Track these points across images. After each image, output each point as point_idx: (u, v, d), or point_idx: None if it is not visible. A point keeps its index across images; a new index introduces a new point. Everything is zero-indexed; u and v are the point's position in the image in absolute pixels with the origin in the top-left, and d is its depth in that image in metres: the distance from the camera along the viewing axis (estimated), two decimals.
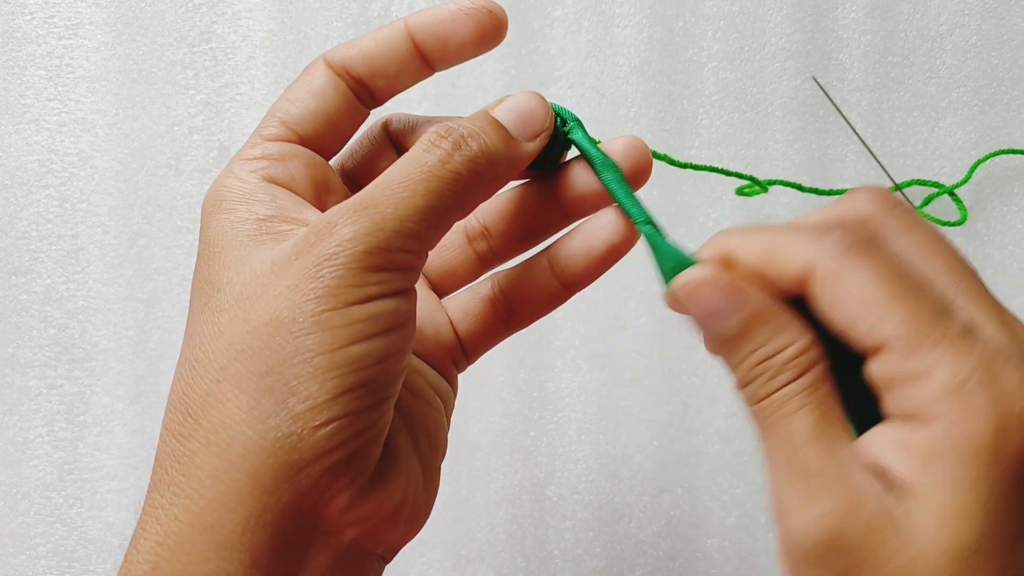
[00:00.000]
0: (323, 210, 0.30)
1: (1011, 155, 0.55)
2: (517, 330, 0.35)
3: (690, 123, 0.56)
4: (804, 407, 0.26)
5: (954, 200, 0.54)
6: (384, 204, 0.27)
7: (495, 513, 0.55)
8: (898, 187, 0.54)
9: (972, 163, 0.55)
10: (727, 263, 0.28)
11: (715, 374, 0.55)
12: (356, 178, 0.34)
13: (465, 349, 0.35)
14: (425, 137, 0.29)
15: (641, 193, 0.34)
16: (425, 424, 0.31)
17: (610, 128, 0.56)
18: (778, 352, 0.26)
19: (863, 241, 0.26)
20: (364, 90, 0.32)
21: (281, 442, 0.25)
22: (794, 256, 0.26)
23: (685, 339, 0.55)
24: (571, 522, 0.55)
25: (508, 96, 0.32)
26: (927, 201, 0.55)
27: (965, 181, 0.54)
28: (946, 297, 0.25)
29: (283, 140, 0.31)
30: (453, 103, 0.56)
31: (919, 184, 0.54)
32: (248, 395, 0.26)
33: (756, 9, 0.56)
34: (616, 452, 0.55)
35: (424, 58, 0.32)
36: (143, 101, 0.57)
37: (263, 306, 0.26)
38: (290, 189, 0.30)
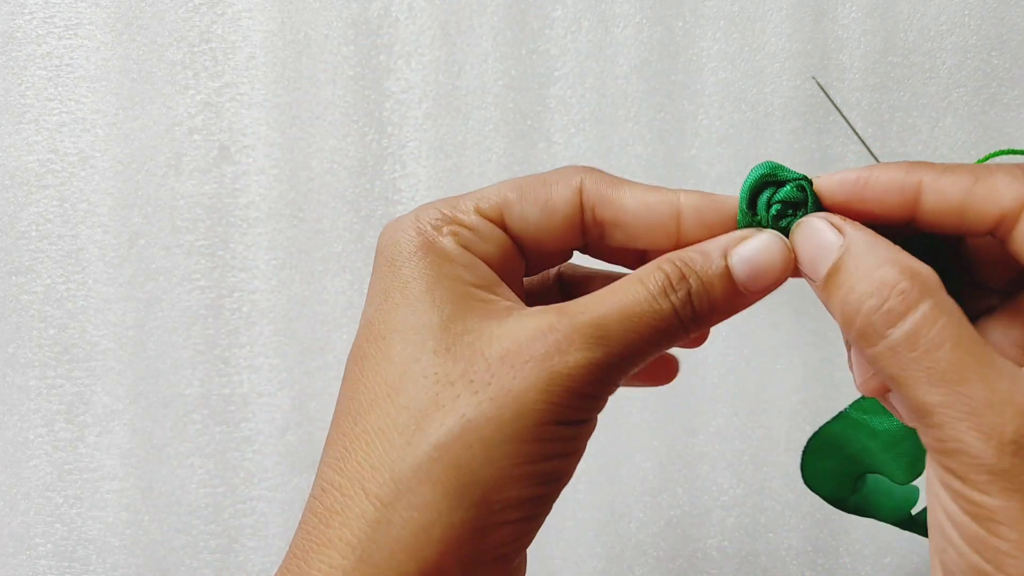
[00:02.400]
0: (508, 285, 0.31)
1: (1012, 155, 0.55)
2: None
3: (690, 123, 0.56)
4: (947, 340, 0.25)
5: None
6: (616, 340, 0.28)
7: None
8: None
9: (973, 162, 0.55)
10: (911, 203, 0.28)
11: (715, 374, 0.55)
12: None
13: None
14: (656, 276, 0.29)
15: None
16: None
17: (610, 128, 0.56)
18: (892, 275, 0.26)
19: None
20: (596, 229, 0.32)
21: (475, 533, 0.27)
22: (1003, 192, 0.27)
23: None
24: (571, 522, 0.55)
25: (751, 236, 0.30)
26: None
27: None
28: None
29: (491, 220, 0.31)
30: (453, 103, 0.56)
31: None
32: (460, 481, 0.27)
33: (756, 9, 0.56)
34: (616, 452, 0.55)
35: (676, 238, 0.31)
36: (143, 101, 0.57)
37: (489, 399, 0.27)
38: (484, 261, 0.31)
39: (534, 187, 0.31)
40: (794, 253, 0.30)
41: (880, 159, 0.55)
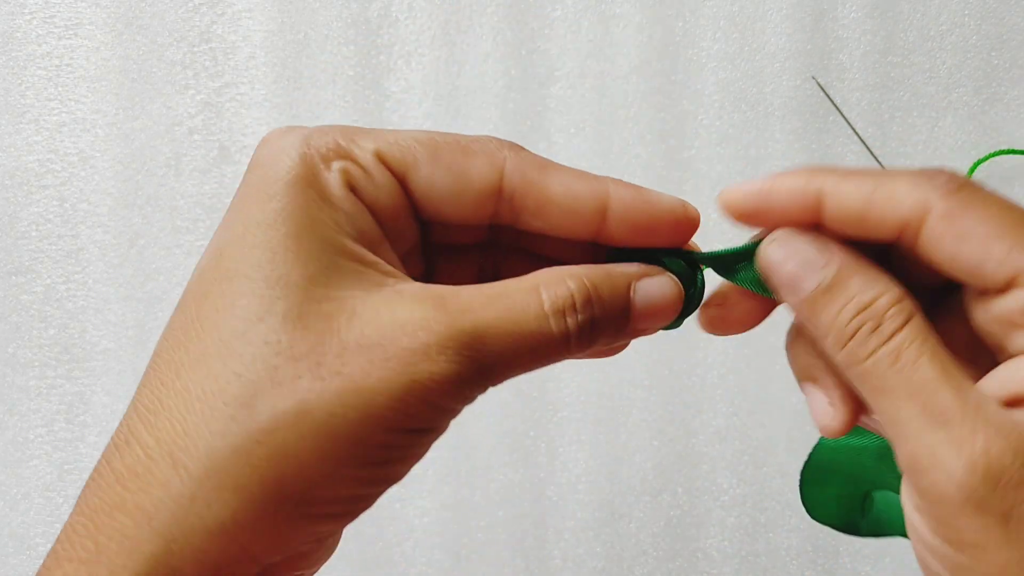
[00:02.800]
0: (393, 245, 0.28)
1: (1012, 156, 0.55)
2: None
3: (690, 123, 0.56)
4: (924, 355, 0.25)
5: None
6: (492, 355, 0.25)
7: (495, 513, 0.55)
8: None
9: (972, 163, 0.55)
10: (814, 209, 0.27)
11: (715, 374, 0.55)
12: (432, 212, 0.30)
13: None
14: (559, 291, 0.26)
15: None
16: None
17: (610, 128, 0.56)
18: (875, 300, 0.26)
19: (972, 182, 0.25)
20: (510, 214, 0.28)
21: (292, 524, 0.25)
22: (903, 197, 0.25)
23: (685, 339, 0.55)
24: (571, 522, 0.55)
25: (653, 273, 0.28)
26: None
27: None
28: None
29: (391, 170, 0.27)
30: (453, 103, 0.56)
31: None
32: (282, 472, 0.24)
33: (756, 9, 0.56)
34: (616, 452, 0.55)
35: (598, 230, 0.28)
36: (143, 101, 0.57)
37: (334, 392, 0.24)
38: (371, 211, 0.27)
39: (452, 152, 0.27)
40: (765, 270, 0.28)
41: (880, 159, 0.55)
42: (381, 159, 0.27)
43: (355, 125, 0.28)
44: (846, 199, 0.26)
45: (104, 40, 0.57)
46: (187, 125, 0.57)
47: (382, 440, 0.24)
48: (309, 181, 0.26)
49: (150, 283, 0.57)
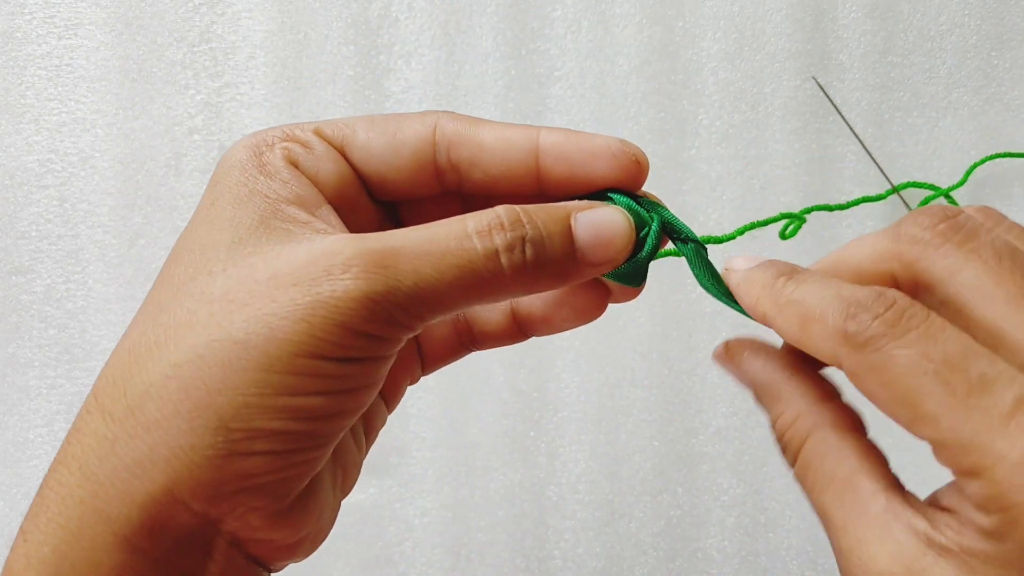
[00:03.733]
0: (343, 216, 0.28)
1: (1010, 159, 0.55)
2: (476, 351, 0.34)
3: (690, 123, 0.56)
4: (821, 479, 0.26)
5: (950, 203, 0.54)
6: (406, 273, 0.25)
7: (495, 513, 0.55)
8: (895, 189, 0.54)
9: (972, 163, 0.55)
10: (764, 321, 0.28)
11: (715, 374, 0.55)
12: (389, 190, 0.31)
13: (423, 365, 0.34)
14: (484, 216, 0.26)
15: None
16: (347, 459, 0.31)
17: (610, 128, 0.56)
18: (776, 419, 0.28)
19: (890, 326, 0.24)
20: (453, 173, 0.29)
21: (210, 460, 0.24)
22: (821, 345, 0.26)
23: (685, 339, 0.55)
24: (571, 522, 0.55)
25: (599, 206, 0.28)
26: (923, 204, 0.55)
27: (961, 183, 0.54)
28: (991, 367, 0.23)
29: (331, 144, 0.29)
30: (453, 103, 0.56)
31: (915, 187, 0.54)
32: (193, 403, 0.24)
33: (756, 9, 0.56)
34: (616, 452, 0.55)
35: (538, 177, 0.29)
36: (143, 101, 0.57)
37: (242, 320, 0.24)
38: (312, 181, 0.28)
39: (386, 120, 0.29)
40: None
41: (880, 159, 0.55)
42: (319, 134, 0.29)
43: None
44: (785, 332, 0.27)
45: (104, 40, 0.57)
46: (187, 125, 0.57)
47: (293, 366, 0.24)
48: (250, 161, 0.27)
49: (150, 283, 0.56)
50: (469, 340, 0.34)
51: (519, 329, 0.33)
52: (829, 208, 0.51)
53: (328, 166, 0.28)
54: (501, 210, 0.26)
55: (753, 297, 0.28)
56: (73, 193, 0.57)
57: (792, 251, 0.54)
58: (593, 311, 0.32)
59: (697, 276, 0.30)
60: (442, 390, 0.55)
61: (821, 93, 0.56)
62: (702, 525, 0.55)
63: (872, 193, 0.55)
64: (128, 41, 0.57)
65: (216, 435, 0.24)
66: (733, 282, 0.29)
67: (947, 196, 0.54)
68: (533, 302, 0.32)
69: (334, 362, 0.25)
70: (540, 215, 0.27)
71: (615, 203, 0.29)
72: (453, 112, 0.29)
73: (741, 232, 0.38)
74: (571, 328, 0.32)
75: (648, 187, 0.33)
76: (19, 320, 0.57)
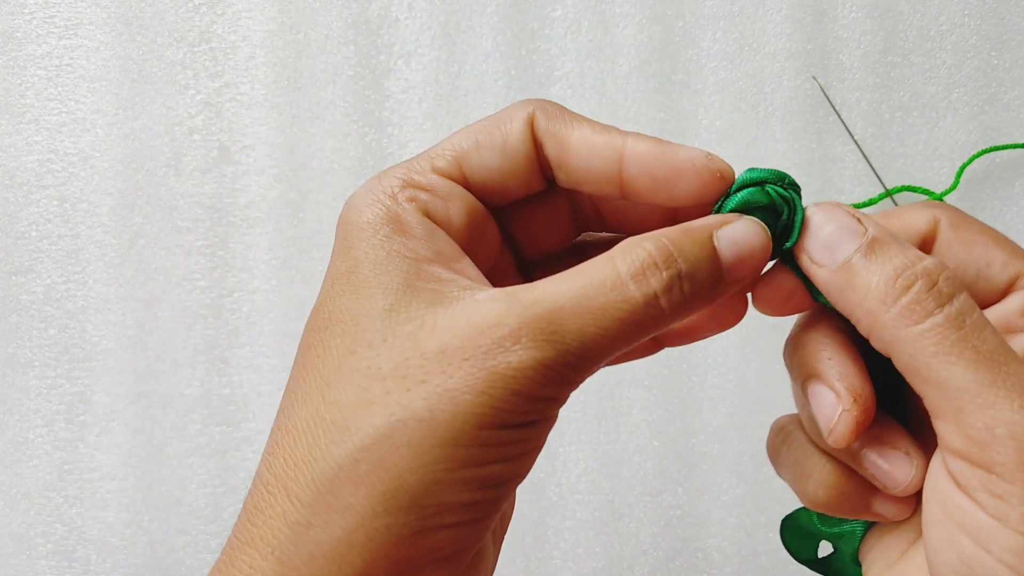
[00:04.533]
0: (473, 256, 0.28)
1: (1012, 154, 0.55)
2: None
3: (690, 123, 0.56)
4: (988, 325, 0.25)
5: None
6: (572, 335, 0.25)
7: None
8: (888, 193, 0.54)
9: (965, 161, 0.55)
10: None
11: (715, 374, 0.55)
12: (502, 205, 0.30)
13: None
14: (635, 257, 0.25)
15: None
16: (506, 508, 0.31)
17: None
18: (920, 260, 0.26)
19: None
20: (548, 170, 0.29)
21: (405, 539, 0.25)
22: (916, 218, 0.27)
23: None
24: (571, 522, 0.55)
25: (731, 220, 0.28)
26: None
27: (953, 187, 0.54)
28: None
29: (451, 178, 0.28)
30: (453, 103, 0.56)
31: (909, 191, 0.54)
32: (385, 485, 0.24)
33: (756, 9, 0.56)
34: (616, 452, 0.55)
35: (620, 186, 0.28)
36: (143, 101, 0.57)
37: (421, 399, 0.24)
38: (446, 230, 0.28)
39: (488, 130, 0.29)
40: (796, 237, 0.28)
41: (880, 160, 0.55)
42: (438, 172, 0.28)
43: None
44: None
45: (104, 40, 0.57)
46: (187, 125, 0.57)
47: (478, 438, 0.24)
48: (382, 220, 0.27)
49: (150, 283, 0.57)
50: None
51: (655, 343, 0.33)
52: None
53: (457, 206, 0.28)
54: (651, 246, 0.26)
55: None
56: (73, 193, 0.57)
57: None
58: (737, 314, 0.31)
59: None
60: None
61: (821, 93, 0.56)
62: (702, 525, 0.55)
63: (872, 192, 0.55)
64: (128, 41, 0.57)
65: (410, 514, 0.24)
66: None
67: (940, 201, 0.54)
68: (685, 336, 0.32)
69: (513, 428, 0.25)
70: (686, 244, 0.26)
71: (752, 203, 0.28)
72: (548, 102, 0.29)
73: None
74: (713, 335, 0.32)
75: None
76: (19, 320, 0.57)
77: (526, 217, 0.31)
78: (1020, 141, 0.55)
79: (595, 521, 0.55)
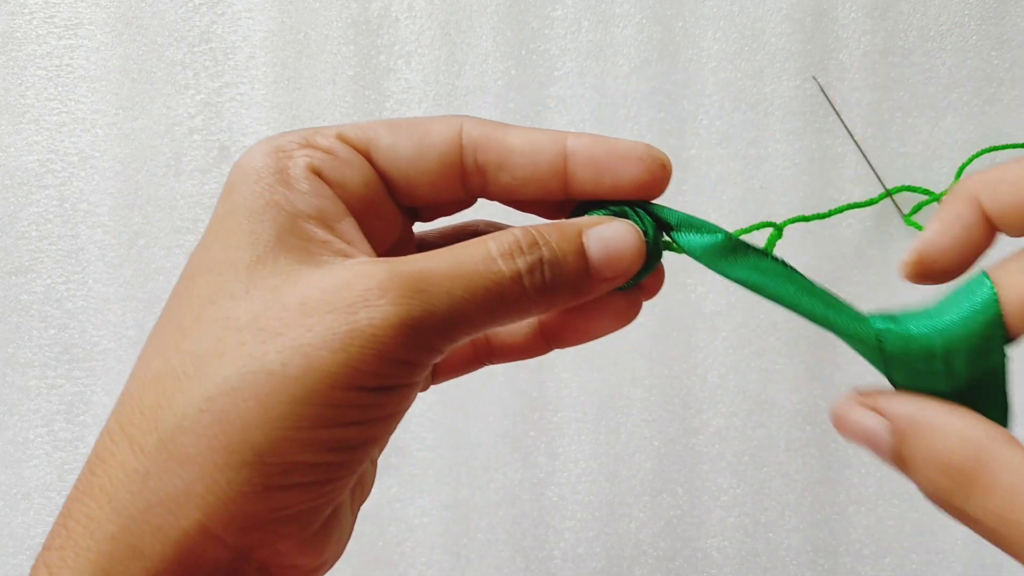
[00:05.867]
0: (364, 227, 0.28)
1: (1012, 154, 0.55)
2: (493, 364, 0.34)
3: (690, 123, 0.56)
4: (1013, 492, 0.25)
5: None
6: (440, 297, 0.25)
7: (495, 513, 0.55)
8: (888, 193, 0.54)
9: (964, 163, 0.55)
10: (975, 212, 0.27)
11: (715, 374, 0.55)
12: (411, 197, 0.30)
13: (434, 375, 0.34)
14: (505, 238, 0.26)
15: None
16: (363, 475, 0.30)
17: (610, 128, 0.56)
18: (948, 450, 0.26)
19: None
20: (478, 176, 0.29)
21: (246, 495, 0.24)
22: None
23: (685, 339, 0.55)
24: (571, 522, 0.55)
25: (608, 221, 0.28)
26: (916, 209, 0.54)
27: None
28: None
29: (355, 149, 0.28)
30: (453, 103, 0.56)
31: (909, 191, 0.54)
32: (228, 438, 0.24)
33: (756, 9, 0.56)
34: (616, 452, 0.55)
35: (565, 181, 0.29)
36: (143, 101, 0.57)
37: (275, 351, 0.24)
38: (337, 192, 0.27)
39: (410, 123, 0.29)
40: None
41: (880, 160, 0.55)
42: (343, 139, 0.28)
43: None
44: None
45: (104, 40, 0.57)
46: (187, 125, 0.57)
47: (332, 398, 0.24)
48: (269, 170, 0.27)
49: (150, 283, 0.57)
50: (487, 354, 0.34)
51: (544, 341, 0.33)
52: (806, 219, 0.51)
53: (354, 173, 0.28)
54: (518, 232, 0.27)
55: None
56: (73, 193, 0.57)
57: (791, 250, 0.54)
58: (628, 313, 0.32)
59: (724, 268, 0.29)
60: (442, 390, 0.55)
61: (821, 93, 0.56)
62: (702, 525, 0.55)
63: (872, 192, 0.55)
64: (128, 41, 0.57)
65: (252, 470, 0.24)
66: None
67: (939, 201, 0.54)
68: (565, 313, 0.32)
69: (371, 391, 0.24)
70: (554, 235, 0.27)
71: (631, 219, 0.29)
72: (475, 116, 0.29)
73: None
74: (605, 335, 0.32)
75: None
76: (19, 320, 0.57)
77: (434, 216, 0.32)
78: (1020, 141, 0.55)
79: (595, 521, 0.55)
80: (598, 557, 0.55)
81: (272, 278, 0.25)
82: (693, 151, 0.56)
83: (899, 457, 0.26)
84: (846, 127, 0.55)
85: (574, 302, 0.28)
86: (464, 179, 0.29)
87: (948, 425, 0.25)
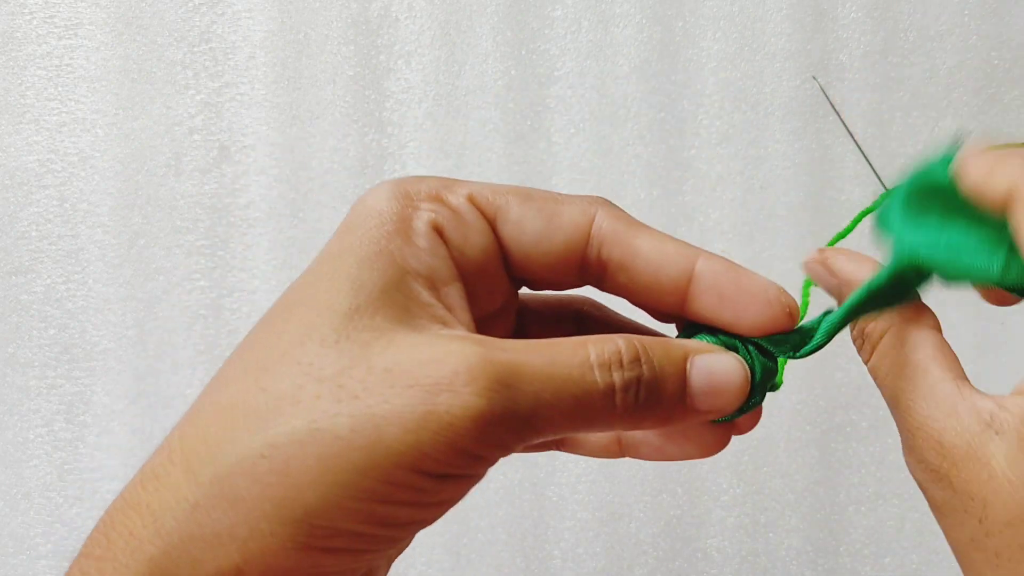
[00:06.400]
0: (471, 291, 0.27)
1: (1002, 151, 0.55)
2: (560, 451, 0.33)
3: (690, 123, 0.56)
4: (896, 365, 0.28)
5: None
6: (526, 396, 0.24)
7: (495, 513, 0.55)
8: (889, 194, 0.54)
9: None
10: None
11: None
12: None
13: None
14: (605, 347, 0.25)
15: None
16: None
17: (610, 128, 0.56)
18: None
19: None
20: (598, 269, 0.28)
21: (287, 550, 0.23)
22: (1000, 180, 0.27)
23: None
24: (571, 522, 0.55)
25: (717, 351, 0.27)
26: None
27: None
28: None
29: (479, 209, 0.27)
30: (453, 103, 0.56)
31: None
32: (282, 491, 0.23)
33: (756, 9, 0.56)
34: None
35: (684, 300, 0.28)
36: (143, 101, 0.57)
37: (348, 415, 0.23)
38: (454, 256, 0.26)
39: (543, 198, 0.28)
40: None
41: (880, 160, 0.55)
42: (473, 201, 0.27)
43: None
44: (972, 174, 0.29)
45: (104, 40, 0.57)
46: (187, 125, 0.57)
47: (394, 476, 0.23)
48: (391, 217, 0.26)
49: (150, 283, 0.57)
50: (557, 443, 0.32)
51: (620, 450, 0.32)
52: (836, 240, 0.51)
53: (475, 238, 0.27)
54: (622, 342, 0.25)
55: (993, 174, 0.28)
56: (73, 193, 0.57)
57: (791, 252, 0.54)
58: (716, 446, 0.30)
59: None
60: None
61: (821, 93, 0.56)
62: (702, 525, 0.55)
63: (872, 192, 0.55)
64: (128, 41, 0.57)
65: (298, 527, 0.23)
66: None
67: None
68: (648, 432, 0.31)
69: (433, 478, 0.24)
70: (658, 353, 0.26)
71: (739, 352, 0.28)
72: (613, 204, 0.28)
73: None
74: (684, 460, 0.31)
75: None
76: (19, 320, 0.57)
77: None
78: (1020, 141, 0.55)
79: (595, 521, 0.55)
80: (598, 557, 0.55)
81: (366, 332, 0.24)
82: (693, 151, 0.56)
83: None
84: (846, 127, 0.55)
85: (660, 427, 0.28)
86: (583, 268, 0.28)
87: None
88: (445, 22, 0.57)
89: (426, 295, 0.25)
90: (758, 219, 0.55)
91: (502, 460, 0.26)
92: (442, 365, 0.23)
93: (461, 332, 0.25)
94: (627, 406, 0.25)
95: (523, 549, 0.55)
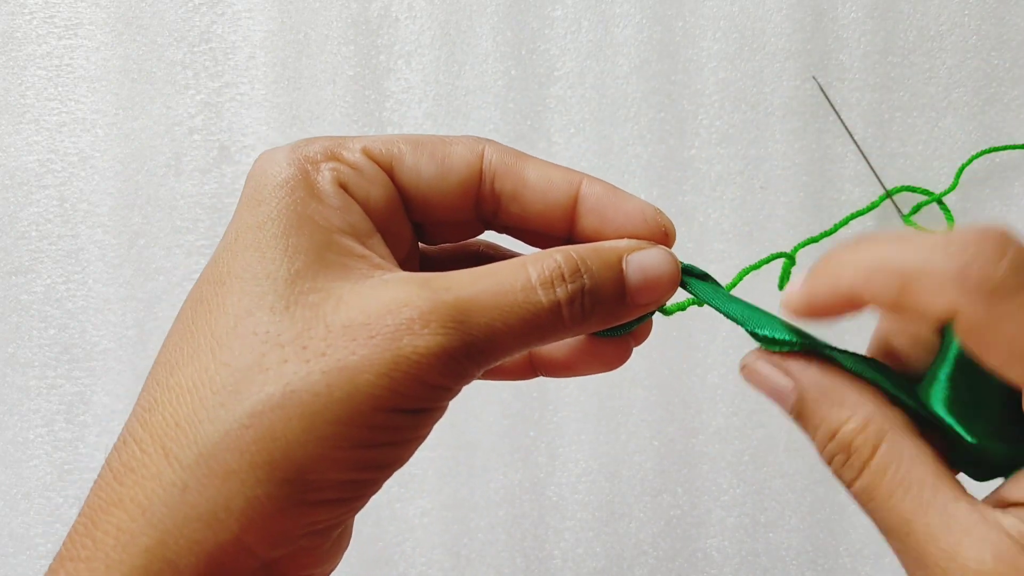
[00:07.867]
0: (385, 238, 0.28)
1: (1012, 154, 0.55)
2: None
3: (690, 123, 0.56)
4: (898, 488, 0.25)
5: (942, 208, 0.54)
6: (479, 327, 0.25)
7: (495, 513, 0.55)
8: (888, 194, 0.54)
9: (965, 160, 0.55)
10: (858, 306, 0.25)
11: (715, 374, 0.55)
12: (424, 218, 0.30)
13: None
14: (545, 265, 0.26)
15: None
16: None
17: (610, 128, 0.56)
18: (840, 427, 0.26)
19: (1009, 278, 0.23)
20: (491, 203, 0.30)
21: (284, 511, 0.24)
22: (936, 298, 0.23)
23: (685, 339, 0.55)
24: (571, 522, 0.55)
25: (645, 246, 0.29)
26: (916, 209, 0.54)
27: (952, 188, 0.54)
28: None
29: (375, 162, 0.28)
30: (453, 102, 0.56)
31: (909, 191, 0.54)
32: (271, 455, 0.24)
33: (756, 9, 0.56)
34: (616, 452, 0.55)
35: (572, 222, 0.29)
36: (143, 101, 0.57)
37: (320, 372, 0.24)
38: (363, 208, 0.28)
39: (433, 142, 0.29)
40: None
41: (880, 160, 0.55)
42: (368, 154, 0.28)
43: (346, 134, 0.29)
44: (879, 298, 0.25)
45: (104, 40, 0.57)
46: (187, 125, 0.57)
47: (373, 420, 0.24)
48: (299, 182, 0.27)
49: (150, 283, 0.57)
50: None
51: (531, 369, 0.33)
52: (815, 239, 0.51)
53: (377, 189, 0.28)
54: (560, 257, 0.27)
55: (833, 277, 0.25)
56: (73, 193, 0.57)
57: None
58: (619, 358, 0.32)
59: (718, 306, 0.30)
60: None
61: (821, 93, 0.56)
62: (702, 525, 0.55)
63: (872, 191, 0.55)
64: (128, 41, 0.57)
65: (293, 486, 0.24)
66: (806, 288, 0.26)
67: (939, 202, 0.54)
68: (555, 348, 0.32)
69: (408, 414, 0.25)
70: (595, 261, 0.27)
71: None
72: (496, 142, 0.30)
73: (738, 279, 0.39)
74: (591, 374, 0.32)
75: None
76: (19, 320, 0.57)
77: (440, 231, 0.32)
78: (1020, 141, 0.55)
79: (595, 521, 0.55)
80: (598, 557, 0.55)
81: (312, 294, 0.25)
82: (693, 151, 0.56)
83: (799, 415, 0.27)
84: (846, 127, 0.55)
85: (604, 327, 0.29)
86: (479, 204, 0.30)
87: (858, 405, 0.26)
88: (445, 22, 0.57)
89: (359, 248, 0.27)
90: (758, 219, 0.55)
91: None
92: (397, 313, 0.25)
93: (404, 274, 0.26)
94: (574, 316, 0.27)
95: (523, 549, 0.55)
